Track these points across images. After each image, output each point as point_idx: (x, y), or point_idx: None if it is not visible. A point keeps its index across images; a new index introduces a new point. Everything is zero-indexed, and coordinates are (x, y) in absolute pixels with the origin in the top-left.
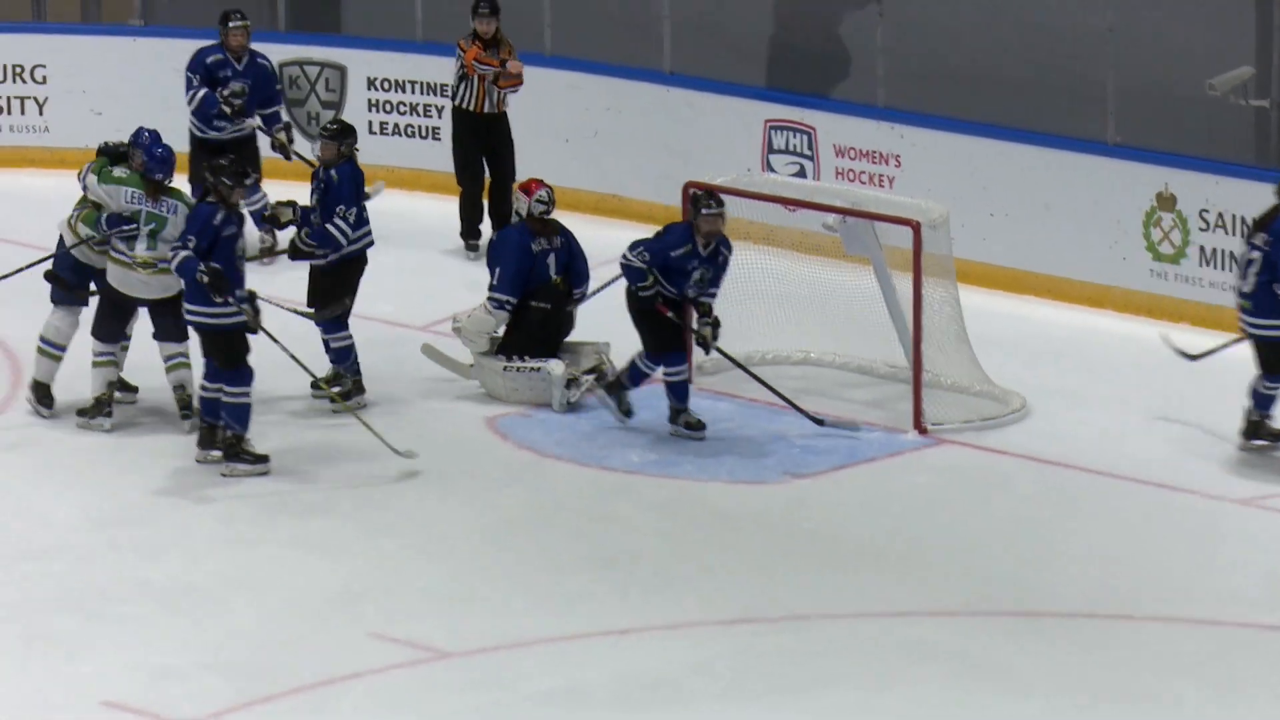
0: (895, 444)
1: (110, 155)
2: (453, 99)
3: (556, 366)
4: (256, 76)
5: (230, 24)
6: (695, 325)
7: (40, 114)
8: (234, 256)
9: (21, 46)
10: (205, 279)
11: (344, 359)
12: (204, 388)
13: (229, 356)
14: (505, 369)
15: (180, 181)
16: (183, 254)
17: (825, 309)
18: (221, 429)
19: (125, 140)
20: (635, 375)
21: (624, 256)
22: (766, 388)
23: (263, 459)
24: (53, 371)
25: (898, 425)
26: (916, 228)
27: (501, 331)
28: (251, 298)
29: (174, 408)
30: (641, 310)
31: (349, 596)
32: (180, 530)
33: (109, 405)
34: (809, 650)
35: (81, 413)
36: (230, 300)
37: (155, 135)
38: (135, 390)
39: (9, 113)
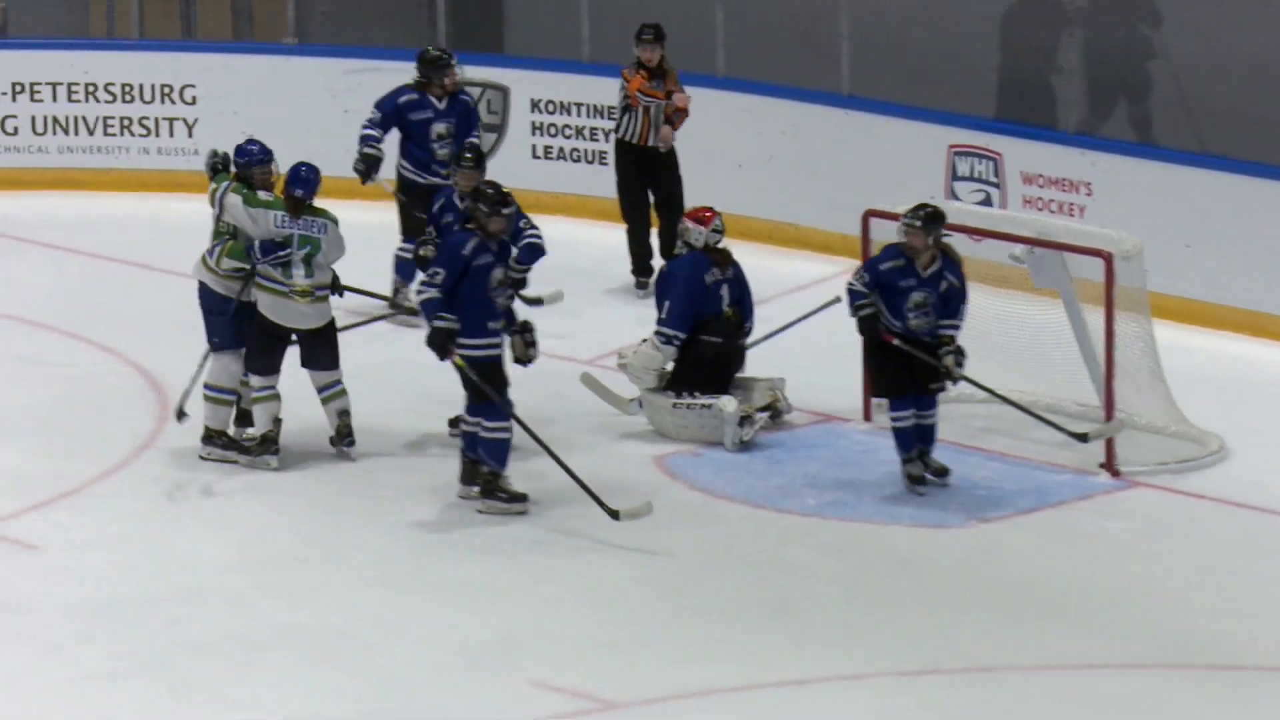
0: (1085, 487)
1: (228, 170)
2: (615, 130)
3: (729, 403)
4: (460, 115)
5: (448, 64)
6: (938, 356)
7: (189, 136)
8: (487, 288)
9: (171, 66)
10: (430, 338)
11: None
12: (464, 420)
13: (497, 387)
14: (674, 406)
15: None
16: (428, 293)
17: (1012, 344)
18: (479, 464)
19: (245, 164)
20: (897, 436)
21: (849, 282)
22: (1031, 415)
23: (520, 498)
24: (229, 417)
25: (1088, 467)
26: (1109, 259)
27: (670, 367)
28: (524, 328)
29: (320, 443)
30: (872, 345)
31: (509, 643)
32: (332, 573)
33: (275, 442)
34: (994, 704)
35: (247, 451)
36: (475, 342)
37: (263, 148)
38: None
39: (157, 134)
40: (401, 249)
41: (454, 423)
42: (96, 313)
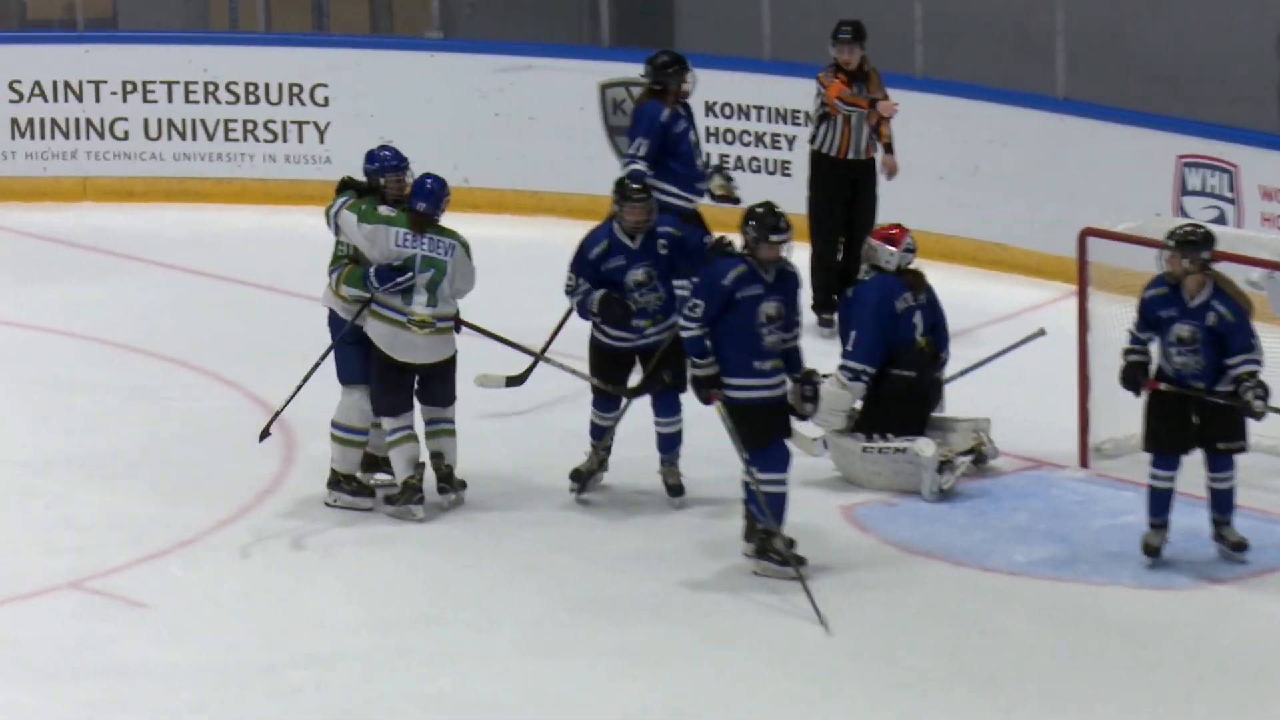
0: None
1: (357, 191)
2: (811, 142)
3: (926, 446)
4: (690, 122)
5: (685, 68)
6: (1236, 395)
7: (321, 142)
8: (756, 324)
9: (300, 63)
10: (691, 381)
11: (600, 435)
12: (747, 472)
13: (758, 435)
14: (864, 450)
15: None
16: (688, 330)
17: None
18: (756, 520)
19: (375, 170)
20: (1152, 497)
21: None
22: None
23: (797, 561)
24: (358, 460)
25: None
26: None
27: (859, 406)
28: (807, 377)
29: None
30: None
31: (681, 716)
32: (475, 636)
33: (419, 490)
34: None
35: (390, 500)
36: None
37: (396, 153)
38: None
39: (284, 139)
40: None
41: (575, 476)
42: (216, 341)
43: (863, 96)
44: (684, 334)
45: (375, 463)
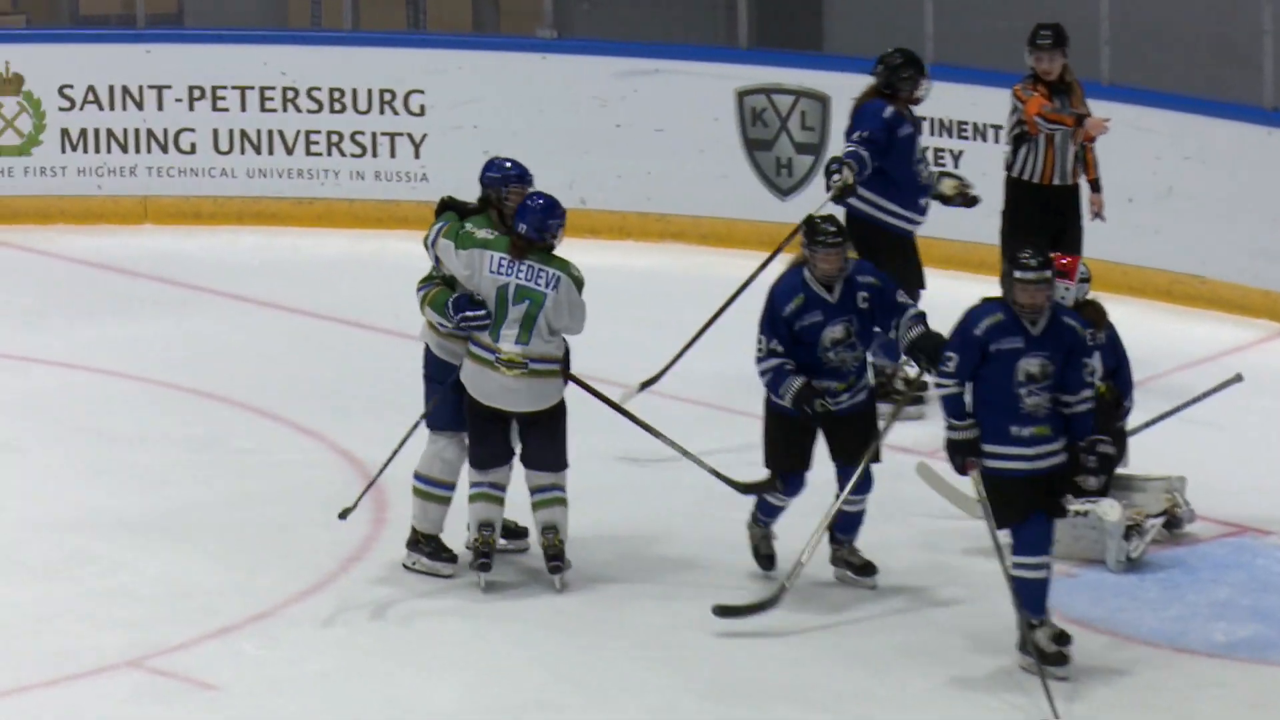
0: None
1: (460, 213)
2: (1009, 169)
3: (1110, 509)
4: (918, 130)
5: (922, 71)
6: None
7: (416, 156)
8: (1014, 383)
9: (392, 65)
10: (947, 446)
11: (770, 513)
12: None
13: (1012, 511)
14: None
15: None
16: (945, 386)
17: None
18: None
19: (497, 180)
20: None
21: None
22: None
23: (1058, 659)
24: (441, 518)
25: None
26: None
27: None
28: (1092, 445)
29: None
30: None
31: None
32: None
33: (485, 556)
34: None
35: (472, 556)
36: None
37: (518, 165)
38: (525, 535)
39: (374, 154)
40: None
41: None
42: (295, 385)
43: (1067, 112)
44: (940, 392)
45: (513, 530)
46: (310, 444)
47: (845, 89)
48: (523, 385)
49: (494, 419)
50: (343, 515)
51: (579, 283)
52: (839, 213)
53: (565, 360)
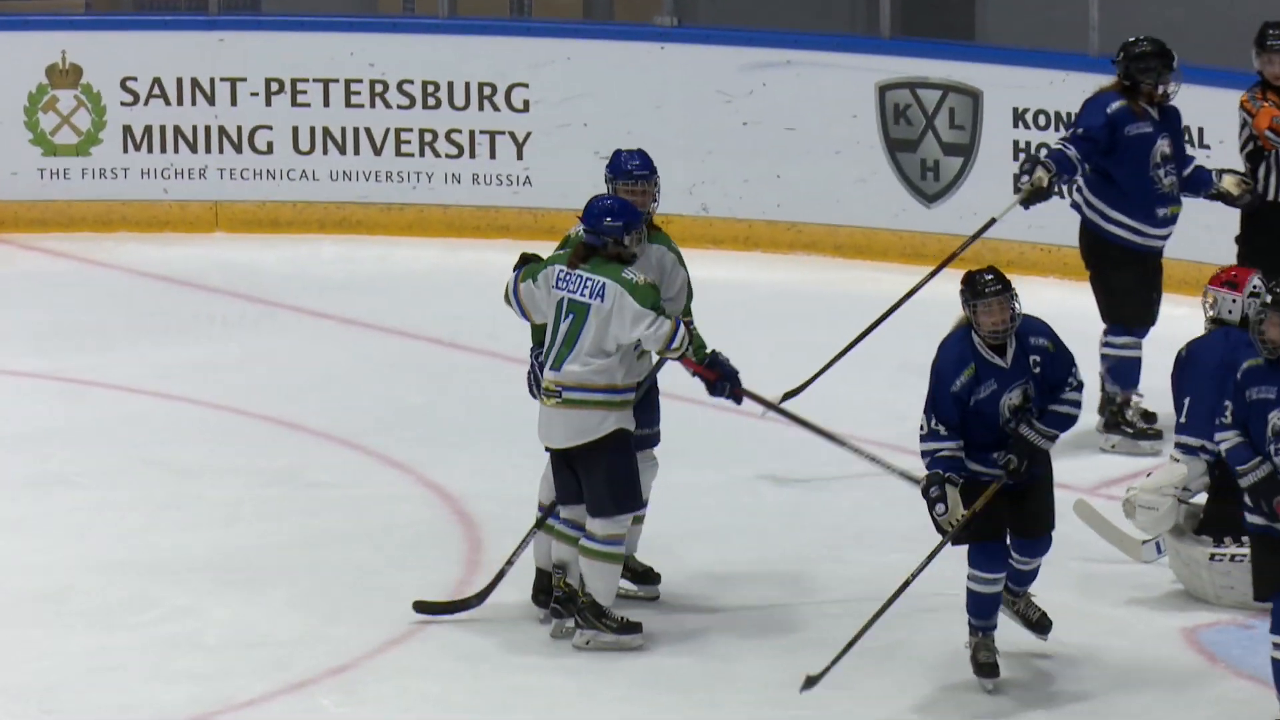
0: None
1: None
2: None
3: None
4: (1175, 133)
5: (1168, 62)
6: None
7: (519, 158)
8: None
9: (493, 56)
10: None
11: (986, 611)
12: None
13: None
14: (1213, 557)
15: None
16: (1226, 438)
17: None
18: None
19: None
20: None
21: None
22: None
23: None
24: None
25: None
26: None
27: (1203, 499)
28: None
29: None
30: None
31: None
32: None
33: (557, 601)
34: None
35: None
36: None
37: (645, 160)
38: (655, 580)
39: (473, 155)
40: (1114, 346)
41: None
42: (380, 412)
43: None
44: (1222, 445)
45: (644, 574)
46: (395, 477)
47: (998, 83)
48: (558, 417)
49: (558, 453)
50: (463, 606)
51: (635, 288)
52: (1056, 220)
53: (637, 385)
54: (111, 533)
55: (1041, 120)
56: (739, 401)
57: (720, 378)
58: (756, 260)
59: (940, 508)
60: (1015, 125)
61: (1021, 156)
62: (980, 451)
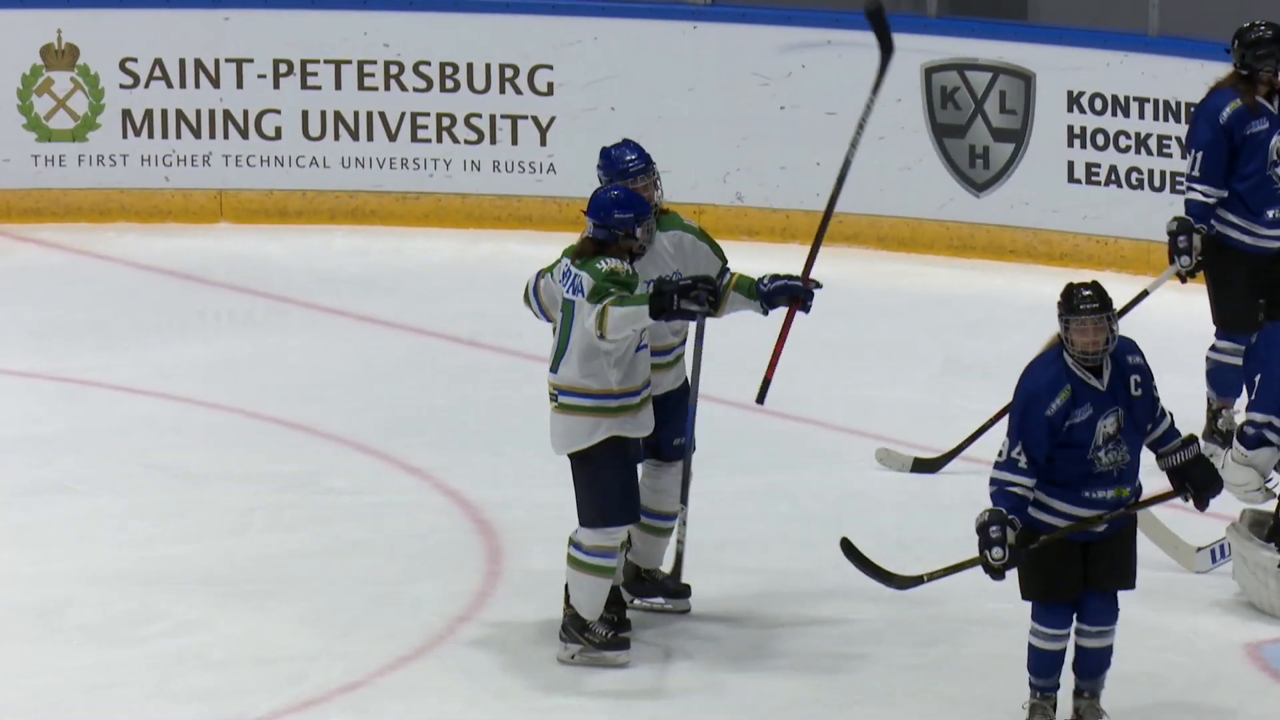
0: None
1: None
2: None
3: None
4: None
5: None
6: None
7: (542, 144)
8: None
9: (516, 36)
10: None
11: (1047, 670)
12: None
13: None
14: None
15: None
16: None
17: None
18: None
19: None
20: None
21: None
22: None
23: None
24: (654, 553)
25: None
26: None
27: (1273, 504)
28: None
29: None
30: None
31: None
32: None
33: (608, 626)
34: None
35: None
36: None
37: (642, 154)
38: (687, 594)
39: (493, 140)
40: (1217, 350)
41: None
42: (398, 415)
43: None
44: None
45: (639, 578)
46: (414, 484)
47: (1052, 64)
48: (553, 421)
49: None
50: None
51: (598, 274)
52: (1112, 211)
53: (641, 386)
54: (113, 542)
55: (1098, 104)
56: (807, 304)
57: (791, 300)
58: (794, 252)
59: (998, 551)
60: (1070, 110)
61: (1098, 170)
62: (1064, 490)
